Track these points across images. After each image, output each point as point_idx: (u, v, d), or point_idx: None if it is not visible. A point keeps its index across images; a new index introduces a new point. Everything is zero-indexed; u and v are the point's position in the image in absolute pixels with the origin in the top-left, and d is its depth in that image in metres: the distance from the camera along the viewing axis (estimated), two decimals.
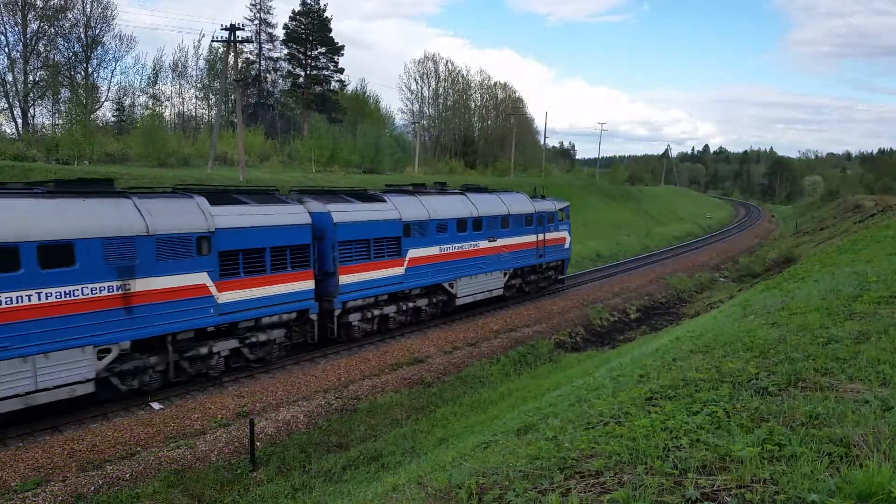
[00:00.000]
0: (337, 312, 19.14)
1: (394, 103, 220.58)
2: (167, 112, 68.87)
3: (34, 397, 12.49)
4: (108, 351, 13.60)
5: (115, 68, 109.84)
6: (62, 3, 55.78)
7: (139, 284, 13.90)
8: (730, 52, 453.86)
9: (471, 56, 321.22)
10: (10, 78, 53.61)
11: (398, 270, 20.97)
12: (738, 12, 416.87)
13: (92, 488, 11.16)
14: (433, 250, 22.33)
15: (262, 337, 17.14)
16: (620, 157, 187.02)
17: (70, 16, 56.91)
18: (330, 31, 77.80)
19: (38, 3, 54.50)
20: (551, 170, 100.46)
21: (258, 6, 76.81)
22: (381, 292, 20.57)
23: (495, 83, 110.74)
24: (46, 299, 12.46)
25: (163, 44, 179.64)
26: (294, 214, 17.64)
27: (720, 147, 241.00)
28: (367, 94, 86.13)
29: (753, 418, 4.97)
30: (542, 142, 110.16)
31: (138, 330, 14.00)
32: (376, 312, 20.66)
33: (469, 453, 7.75)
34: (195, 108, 74.44)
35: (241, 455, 12.97)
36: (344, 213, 19.28)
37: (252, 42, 62.74)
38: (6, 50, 53.93)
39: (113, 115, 66.03)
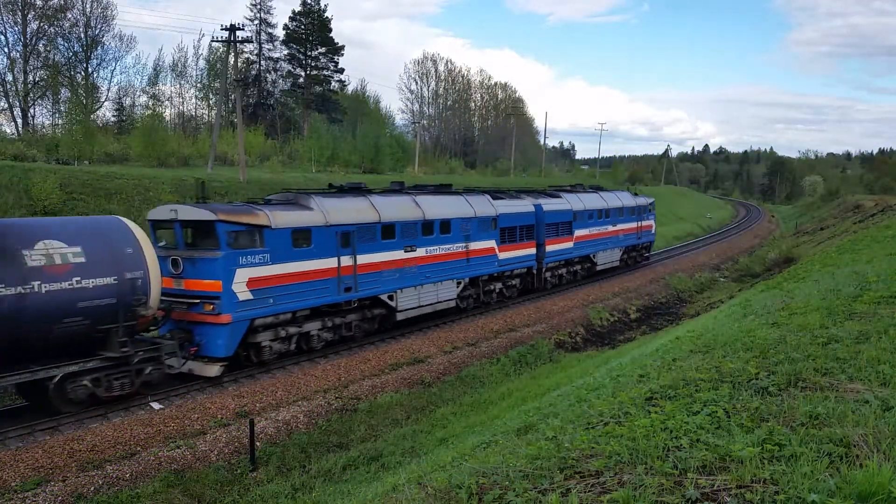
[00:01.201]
0: (544, 270, 28.36)
1: (394, 103, 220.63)
2: (167, 112, 68.91)
3: (434, 305, 21.88)
4: (460, 283, 22.99)
5: (115, 68, 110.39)
6: (62, 2, 55.83)
7: (471, 245, 23.27)
8: (730, 52, 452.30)
9: (471, 56, 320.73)
10: (10, 78, 53.68)
11: (569, 245, 30.07)
12: (738, 12, 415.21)
13: (92, 488, 11.14)
14: (585, 231, 31.23)
15: (512, 282, 26.60)
16: (620, 157, 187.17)
17: (70, 16, 57.03)
18: (330, 31, 77.95)
19: (38, 2, 54.55)
20: (551, 170, 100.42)
21: (258, 6, 76.87)
22: (562, 258, 29.80)
23: (495, 83, 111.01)
24: (441, 252, 21.83)
25: (163, 44, 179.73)
26: (527, 205, 27.20)
27: (720, 147, 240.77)
28: (367, 94, 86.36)
29: (753, 418, 4.97)
30: (542, 142, 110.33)
31: (471, 272, 23.53)
32: (558, 272, 30.11)
33: (469, 453, 7.75)
34: (195, 108, 74.53)
35: (241, 455, 12.96)
36: (548, 204, 28.47)
37: (252, 42, 62.79)
38: (6, 50, 54.05)
39: (113, 115, 66.14)
